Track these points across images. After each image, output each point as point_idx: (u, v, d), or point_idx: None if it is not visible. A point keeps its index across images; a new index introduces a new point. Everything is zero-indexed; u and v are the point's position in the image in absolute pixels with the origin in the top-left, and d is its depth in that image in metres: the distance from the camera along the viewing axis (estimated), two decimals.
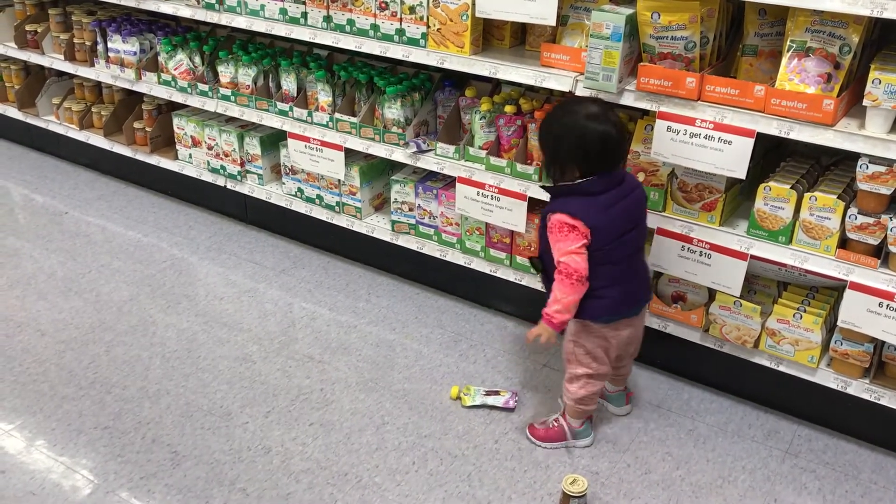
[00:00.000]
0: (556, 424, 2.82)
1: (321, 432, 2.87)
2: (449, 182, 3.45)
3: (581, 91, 2.84)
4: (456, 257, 3.51)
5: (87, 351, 3.29)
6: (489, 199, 3.21)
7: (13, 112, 5.02)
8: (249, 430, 2.87)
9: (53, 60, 4.61)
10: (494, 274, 3.41)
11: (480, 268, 3.45)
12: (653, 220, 2.90)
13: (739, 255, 2.76)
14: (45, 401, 3.00)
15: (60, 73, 4.86)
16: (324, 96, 3.64)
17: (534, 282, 3.29)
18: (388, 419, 2.94)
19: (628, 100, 2.78)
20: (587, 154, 2.45)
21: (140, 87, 4.28)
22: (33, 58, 4.71)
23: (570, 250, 2.44)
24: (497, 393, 3.03)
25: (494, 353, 3.31)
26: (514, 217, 3.18)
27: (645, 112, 2.95)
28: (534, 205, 3.18)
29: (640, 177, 2.93)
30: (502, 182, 3.18)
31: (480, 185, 3.22)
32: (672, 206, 2.88)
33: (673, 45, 2.67)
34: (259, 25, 3.62)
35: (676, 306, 3.02)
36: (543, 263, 2.65)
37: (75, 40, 4.49)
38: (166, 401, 3.01)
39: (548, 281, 2.62)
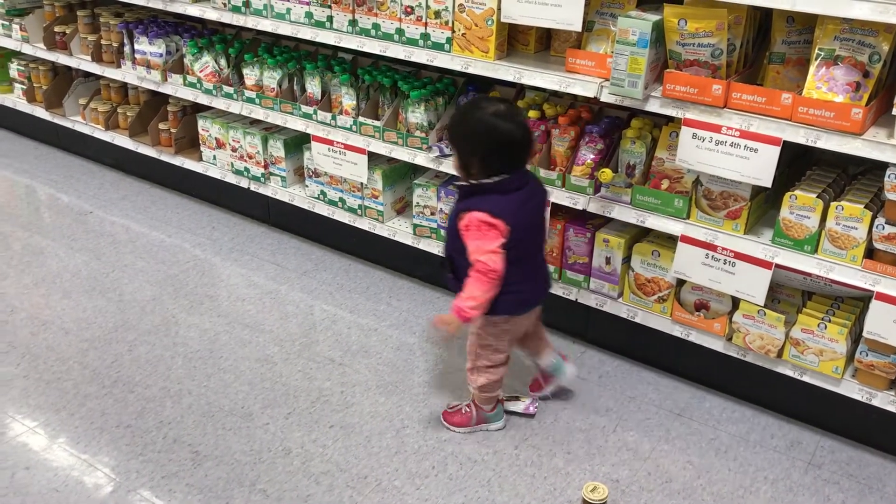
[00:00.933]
0: (467, 410, 2.90)
1: (341, 435, 2.87)
2: None
3: (606, 97, 2.83)
4: None
5: (110, 350, 3.31)
6: None
7: (41, 112, 5.08)
8: (270, 432, 2.88)
9: (81, 61, 4.66)
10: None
11: None
12: (677, 227, 2.88)
13: (764, 264, 2.74)
14: (69, 399, 3.03)
15: (87, 74, 4.91)
16: (348, 100, 3.65)
17: (554, 287, 3.28)
18: (407, 423, 2.94)
19: (654, 106, 2.77)
20: (497, 151, 2.48)
21: (165, 89, 4.32)
22: (61, 59, 4.77)
23: (489, 249, 2.47)
24: (517, 399, 3.02)
25: (514, 358, 3.30)
26: None
27: (670, 119, 2.93)
28: (556, 210, 3.17)
29: (665, 184, 2.92)
30: None
31: None
32: (696, 213, 2.86)
33: (699, 52, 2.66)
34: (284, 29, 3.64)
35: (699, 315, 3.00)
36: (453, 262, 2.64)
37: (102, 42, 4.54)
38: (188, 400, 3.03)
39: (456, 279, 2.61)
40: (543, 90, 3.37)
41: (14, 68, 5.15)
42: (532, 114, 3.16)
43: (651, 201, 2.92)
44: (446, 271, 2.69)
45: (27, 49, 4.92)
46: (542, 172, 3.12)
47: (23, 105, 5.18)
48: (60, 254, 4.06)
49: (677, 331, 3.05)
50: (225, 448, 2.80)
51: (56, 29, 4.73)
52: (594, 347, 3.40)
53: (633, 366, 3.28)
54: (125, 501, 2.58)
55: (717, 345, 2.98)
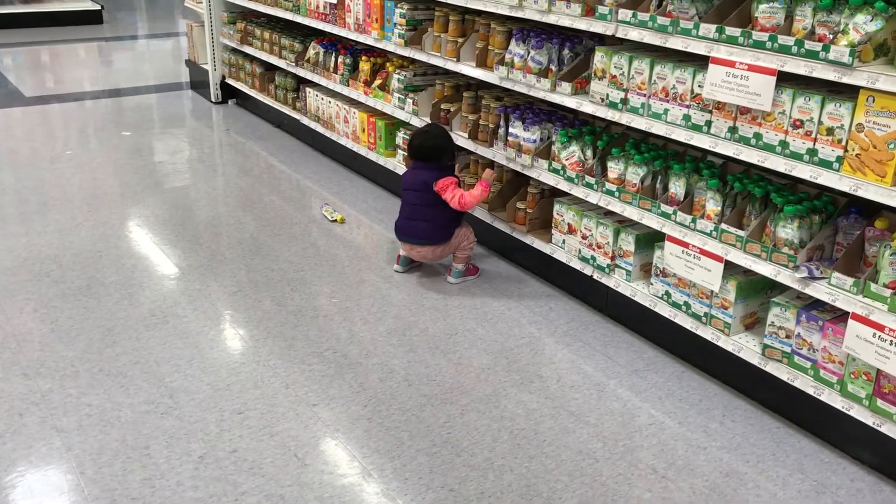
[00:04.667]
0: None
1: None
2: (839, 315, 3.16)
3: None
4: (833, 399, 3.17)
5: (444, 410, 3.50)
6: (887, 344, 2.87)
7: None
8: None
9: (458, 137, 5.09)
10: (877, 428, 3.02)
11: (861, 417, 3.08)
12: None
13: None
14: (403, 449, 3.23)
15: (460, 149, 5.32)
16: (712, 205, 3.56)
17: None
18: None
19: None
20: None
21: (531, 172, 4.54)
22: None
23: None
24: None
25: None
26: None
27: None
28: None
29: None
30: None
31: (879, 327, 2.89)
32: None
33: None
34: (658, 129, 3.66)
35: None
36: None
37: (480, 122, 4.92)
38: (509, 478, 3.08)
39: None
40: None
41: (401, 136, 5.78)
42: None
43: None
44: None
45: (415, 121, 5.49)
46: None
47: (401, 169, 5.76)
48: (410, 308, 4.41)
49: None
50: None
51: (442, 106, 5.23)
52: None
53: None
54: None
55: None
